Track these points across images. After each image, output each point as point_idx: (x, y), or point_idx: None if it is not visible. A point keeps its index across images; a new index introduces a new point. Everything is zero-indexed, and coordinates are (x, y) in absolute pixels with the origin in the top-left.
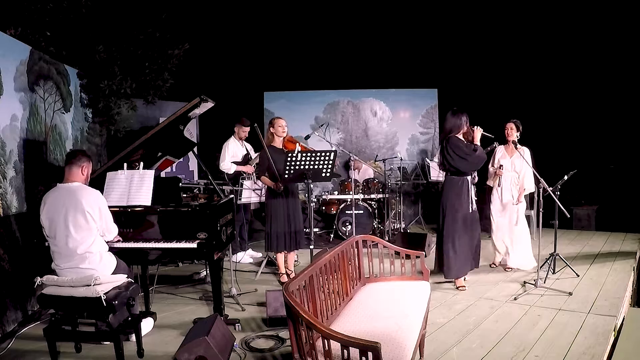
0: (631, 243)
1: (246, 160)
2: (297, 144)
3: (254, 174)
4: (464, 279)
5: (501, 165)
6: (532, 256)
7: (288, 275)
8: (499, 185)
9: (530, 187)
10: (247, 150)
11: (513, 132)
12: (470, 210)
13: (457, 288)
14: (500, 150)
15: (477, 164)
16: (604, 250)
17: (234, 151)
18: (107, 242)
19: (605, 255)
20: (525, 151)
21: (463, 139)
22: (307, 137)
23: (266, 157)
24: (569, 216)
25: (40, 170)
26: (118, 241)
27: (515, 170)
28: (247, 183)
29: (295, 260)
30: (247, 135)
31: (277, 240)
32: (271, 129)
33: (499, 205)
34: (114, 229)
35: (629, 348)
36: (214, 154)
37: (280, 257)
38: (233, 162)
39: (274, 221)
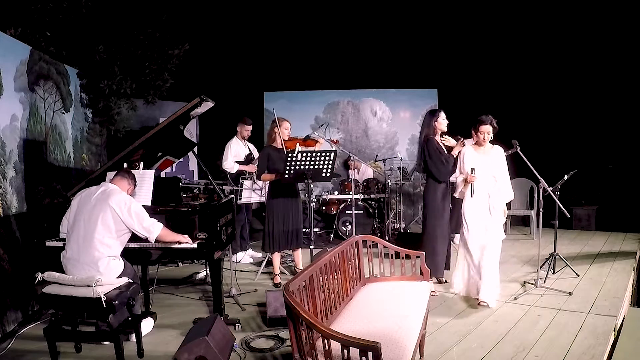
0: (631, 243)
1: (249, 159)
2: (297, 144)
3: (255, 173)
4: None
5: (472, 169)
6: (499, 288)
7: (294, 272)
8: (471, 195)
9: (509, 196)
10: (249, 150)
11: (489, 137)
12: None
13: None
14: (469, 150)
15: (447, 174)
16: (604, 250)
17: (236, 151)
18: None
19: (605, 255)
20: (500, 151)
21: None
22: (307, 138)
23: (266, 155)
24: (569, 216)
25: (40, 170)
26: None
27: (493, 174)
28: (247, 183)
29: (291, 260)
30: (249, 135)
31: (272, 240)
32: (275, 129)
33: (475, 221)
34: (156, 227)
35: (629, 348)
36: (214, 154)
37: (276, 258)
38: (236, 162)
39: (269, 221)
